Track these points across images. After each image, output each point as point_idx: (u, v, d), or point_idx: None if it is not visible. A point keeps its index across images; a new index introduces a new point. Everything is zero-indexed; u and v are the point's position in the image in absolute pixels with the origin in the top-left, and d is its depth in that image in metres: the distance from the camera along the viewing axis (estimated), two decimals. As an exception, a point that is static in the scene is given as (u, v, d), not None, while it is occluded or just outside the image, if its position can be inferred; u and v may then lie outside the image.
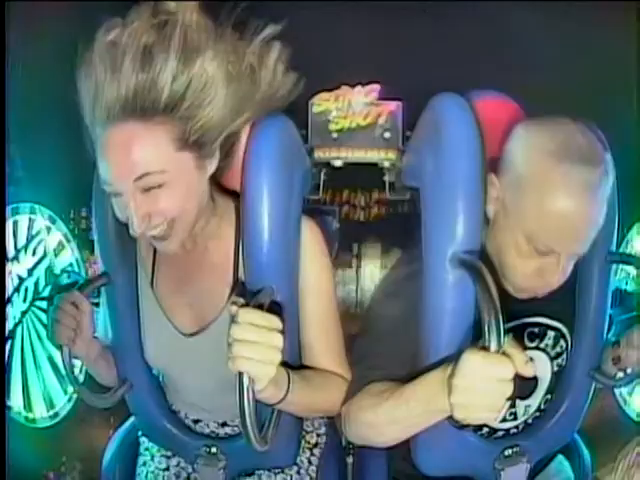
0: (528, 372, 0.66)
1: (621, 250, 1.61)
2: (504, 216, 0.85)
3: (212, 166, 0.83)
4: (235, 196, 0.91)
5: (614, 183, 0.88)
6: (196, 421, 1.01)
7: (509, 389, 0.64)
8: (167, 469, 1.05)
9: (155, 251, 0.95)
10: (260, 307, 0.72)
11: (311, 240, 0.91)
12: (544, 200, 0.79)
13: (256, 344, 0.68)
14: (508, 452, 0.92)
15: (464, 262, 0.75)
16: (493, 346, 0.64)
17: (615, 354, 0.94)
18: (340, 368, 0.94)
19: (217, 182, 0.91)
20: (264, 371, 0.70)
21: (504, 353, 0.64)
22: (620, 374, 0.95)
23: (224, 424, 1.00)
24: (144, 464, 1.08)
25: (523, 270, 0.84)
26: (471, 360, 0.65)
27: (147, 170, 0.76)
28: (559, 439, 1.01)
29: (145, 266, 0.96)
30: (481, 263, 0.72)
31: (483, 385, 0.64)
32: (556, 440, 1.01)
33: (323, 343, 0.94)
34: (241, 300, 0.73)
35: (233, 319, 0.70)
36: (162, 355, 0.96)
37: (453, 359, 0.68)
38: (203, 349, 0.91)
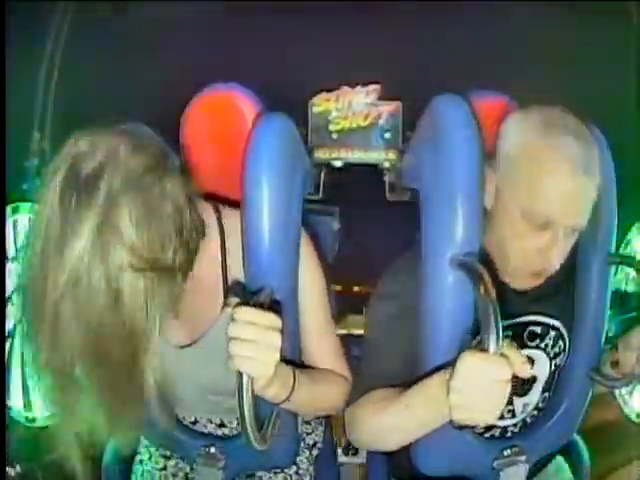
0: (525, 373, 0.67)
1: (621, 251, 1.62)
2: (501, 205, 0.87)
3: None
4: (216, 208, 0.90)
5: (613, 179, 0.89)
6: (194, 422, 1.01)
7: (507, 390, 0.64)
8: (164, 469, 1.05)
9: None
10: (260, 306, 0.72)
11: (303, 248, 0.90)
12: (535, 171, 0.82)
13: (253, 342, 0.68)
14: (507, 452, 0.93)
15: (463, 264, 0.75)
16: (492, 348, 0.64)
17: (613, 358, 0.94)
18: (340, 368, 0.95)
19: (200, 194, 0.86)
20: (262, 370, 0.70)
21: (502, 354, 0.65)
22: (618, 376, 0.96)
23: (221, 425, 1.00)
24: (140, 462, 1.08)
25: (523, 250, 0.86)
26: (469, 361, 0.65)
27: None
28: (558, 440, 1.01)
29: None
30: (480, 264, 0.72)
31: (481, 386, 0.65)
32: (555, 441, 1.01)
33: (322, 347, 0.94)
34: (236, 299, 0.73)
35: (231, 317, 0.70)
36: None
37: (453, 363, 0.68)
38: (196, 360, 0.91)
